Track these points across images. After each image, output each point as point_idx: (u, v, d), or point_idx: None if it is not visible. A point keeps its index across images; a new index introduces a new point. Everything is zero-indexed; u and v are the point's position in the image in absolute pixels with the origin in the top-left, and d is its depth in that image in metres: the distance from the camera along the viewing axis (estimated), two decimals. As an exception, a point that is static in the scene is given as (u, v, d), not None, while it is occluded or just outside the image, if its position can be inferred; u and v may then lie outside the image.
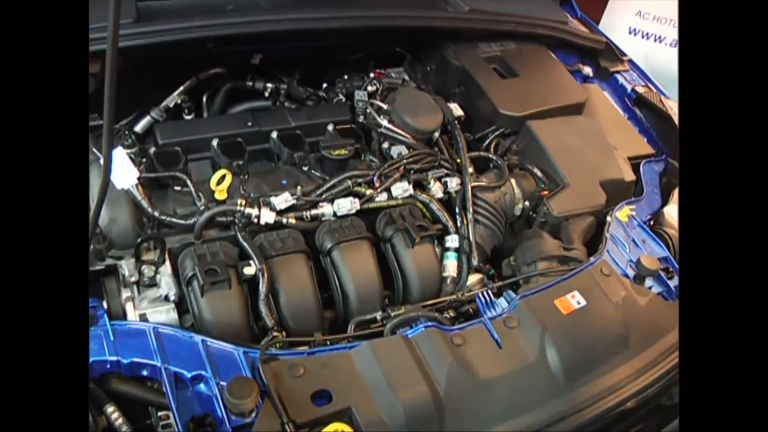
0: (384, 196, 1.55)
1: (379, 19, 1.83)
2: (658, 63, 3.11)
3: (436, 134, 1.73)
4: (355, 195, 1.52)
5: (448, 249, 1.55)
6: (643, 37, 3.29)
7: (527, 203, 1.70)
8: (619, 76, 2.18)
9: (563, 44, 2.13)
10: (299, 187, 1.49)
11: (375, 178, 1.54)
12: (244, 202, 1.40)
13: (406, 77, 2.02)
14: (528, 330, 1.28)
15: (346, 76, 1.90)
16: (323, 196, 1.49)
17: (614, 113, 2.06)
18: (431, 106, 1.73)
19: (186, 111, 1.81)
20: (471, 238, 1.55)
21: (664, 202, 1.78)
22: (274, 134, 1.61)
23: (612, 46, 2.24)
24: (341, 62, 2.00)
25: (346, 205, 1.48)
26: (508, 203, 1.69)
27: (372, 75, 1.92)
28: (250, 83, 1.87)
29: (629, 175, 1.78)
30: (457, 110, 1.83)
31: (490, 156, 1.75)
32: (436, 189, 1.62)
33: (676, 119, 1.95)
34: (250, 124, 1.63)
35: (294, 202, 1.45)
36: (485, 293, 1.36)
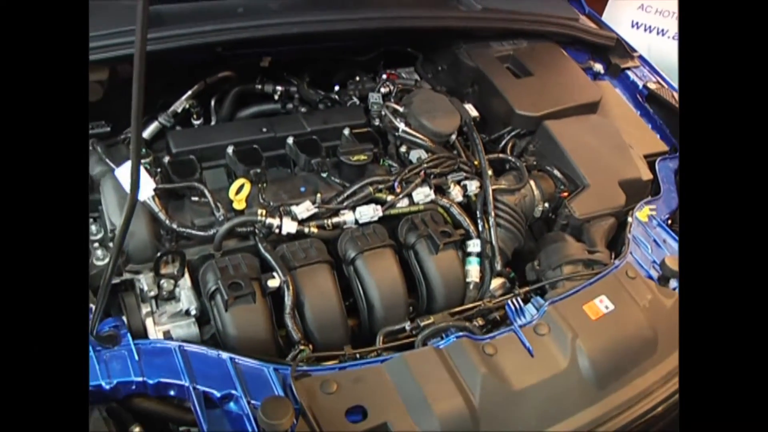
0: (405, 201, 1.52)
1: (391, 20, 1.79)
2: (661, 56, 3.08)
3: (453, 137, 1.70)
4: (377, 201, 1.49)
5: (470, 254, 1.52)
6: (645, 30, 3.27)
7: (547, 205, 1.68)
8: (630, 73, 2.16)
9: (575, 41, 2.11)
10: (319, 195, 1.46)
11: (396, 184, 1.51)
12: (264, 212, 1.37)
13: (417, 77, 1.98)
14: (558, 337, 1.26)
15: (357, 78, 1.87)
16: (344, 204, 1.45)
17: (627, 110, 2.04)
18: (448, 108, 1.70)
19: (194, 116, 1.77)
20: (494, 242, 1.52)
21: (682, 200, 1.77)
22: (290, 140, 1.57)
23: (622, 43, 2.22)
24: (350, 63, 1.96)
25: (369, 213, 1.45)
26: (528, 205, 1.66)
27: (384, 76, 1.88)
28: (259, 86, 1.84)
29: (646, 174, 1.76)
30: (472, 111, 1.79)
31: (508, 158, 1.72)
32: (456, 193, 1.59)
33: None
34: (265, 130, 1.59)
35: (316, 210, 1.41)
36: (514, 301, 1.33)
